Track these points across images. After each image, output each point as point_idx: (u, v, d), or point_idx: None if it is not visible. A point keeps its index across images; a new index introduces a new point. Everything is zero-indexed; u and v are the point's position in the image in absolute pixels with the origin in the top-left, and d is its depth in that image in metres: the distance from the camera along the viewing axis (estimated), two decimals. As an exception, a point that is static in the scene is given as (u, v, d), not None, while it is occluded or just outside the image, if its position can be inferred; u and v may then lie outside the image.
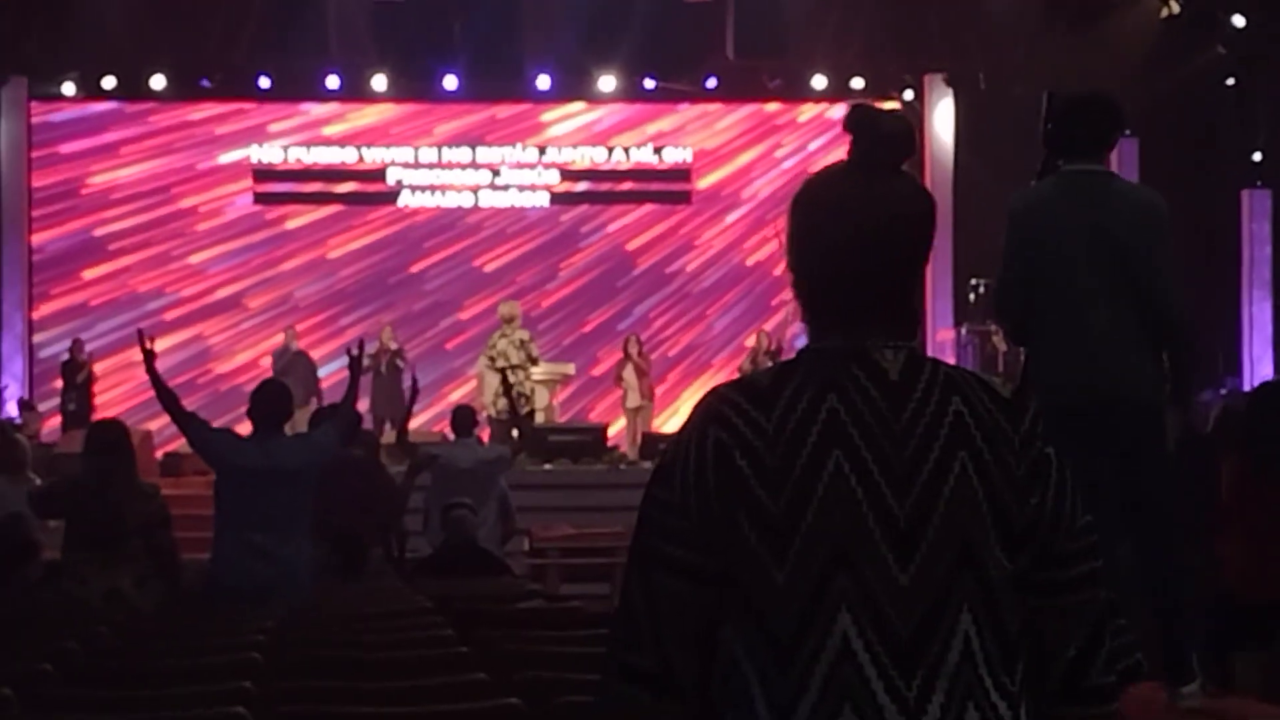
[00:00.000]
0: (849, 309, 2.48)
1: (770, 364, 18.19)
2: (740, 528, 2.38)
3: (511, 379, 17.29)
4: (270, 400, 8.42)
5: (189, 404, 8.69)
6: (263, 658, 5.32)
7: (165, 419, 8.52)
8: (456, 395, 19.24)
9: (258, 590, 7.79)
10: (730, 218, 22.18)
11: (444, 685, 4.62)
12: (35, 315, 20.90)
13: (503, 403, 17.16)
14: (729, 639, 2.41)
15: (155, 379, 8.31)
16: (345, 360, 9.18)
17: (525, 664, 4.89)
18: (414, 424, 18.66)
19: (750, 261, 22.04)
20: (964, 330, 19.38)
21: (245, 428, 8.42)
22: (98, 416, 15.79)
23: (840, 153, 2.58)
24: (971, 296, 19.20)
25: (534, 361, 17.77)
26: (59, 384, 19.30)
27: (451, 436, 13.13)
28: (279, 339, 19.77)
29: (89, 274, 21.07)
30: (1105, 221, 5.19)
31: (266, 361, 19.64)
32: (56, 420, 19.02)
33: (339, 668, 5.20)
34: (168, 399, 8.26)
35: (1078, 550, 2.49)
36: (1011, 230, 5.36)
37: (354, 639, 6.09)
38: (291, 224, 21.58)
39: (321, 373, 19.16)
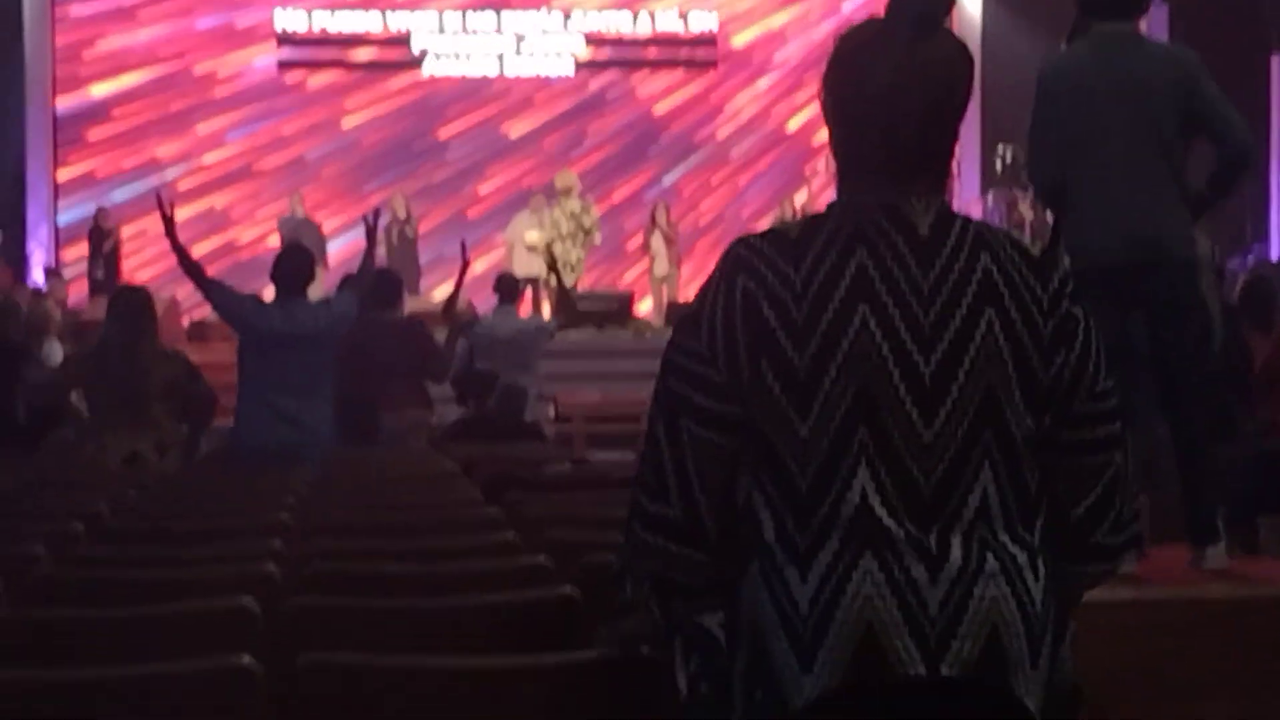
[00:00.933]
0: (882, 162, 2.47)
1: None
2: (765, 379, 2.39)
3: (557, 250, 17.38)
4: (292, 264, 8.48)
5: (211, 272, 8.71)
6: (292, 518, 5.36)
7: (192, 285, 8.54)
8: (480, 265, 19.18)
9: (281, 453, 7.86)
10: (762, 83, 21.92)
11: (472, 545, 4.64)
12: (60, 180, 20.83)
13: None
14: (748, 489, 2.43)
15: (176, 244, 8.34)
16: (356, 233, 9.24)
17: (553, 525, 4.91)
18: (433, 293, 18.77)
19: (782, 128, 21.81)
20: (990, 197, 19.26)
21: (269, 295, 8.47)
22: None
23: (878, 9, 2.57)
24: (998, 164, 19.04)
25: (586, 232, 17.70)
26: (84, 251, 19.27)
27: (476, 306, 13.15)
28: (291, 205, 19.57)
29: (110, 140, 20.93)
30: (1138, 76, 5.14)
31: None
32: (82, 287, 19.00)
33: (368, 529, 5.23)
34: (189, 264, 8.31)
35: (1097, 413, 2.50)
36: (1042, 94, 5.31)
37: (383, 501, 6.13)
38: (312, 88, 21.37)
39: (336, 244, 19.08)
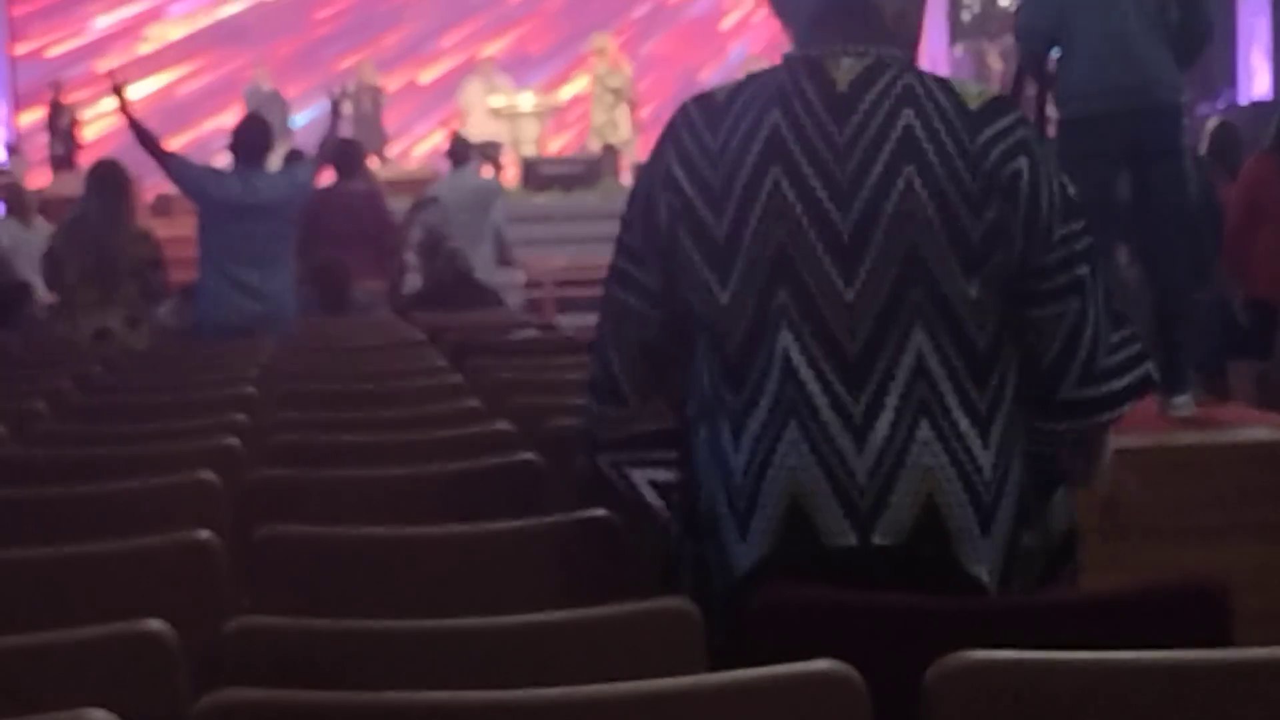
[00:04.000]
0: (810, 15, 2.45)
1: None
2: (684, 248, 2.39)
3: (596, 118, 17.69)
4: (250, 133, 8.42)
5: (171, 146, 8.66)
6: (256, 390, 5.33)
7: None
8: (444, 133, 19.00)
9: (245, 326, 7.84)
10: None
11: (437, 413, 4.62)
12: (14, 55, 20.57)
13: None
14: (700, 355, 2.43)
15: (131, 119, 8.26)
16: (317, 110, 9.20)
17: (518, 390, 4.89)
18: (401, 159, 18.68)
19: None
20: (959, 49, 19.15)
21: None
22: (85, 158, 15.66)
23: None
24: (965, 15, 18.94)
25: (614, 92, 18.06)
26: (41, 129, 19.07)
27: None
28: (255, 77, 19.35)
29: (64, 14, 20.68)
30: None
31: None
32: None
33: (333, 398, 5.21)
34: (146, 138, 8.24)
35: (1056, 262, 2.42)
36: None
37: (347, 370, 6.11)
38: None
39: (300, 120, 18.90)
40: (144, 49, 20.47)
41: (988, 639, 1.82)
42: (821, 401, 2.32)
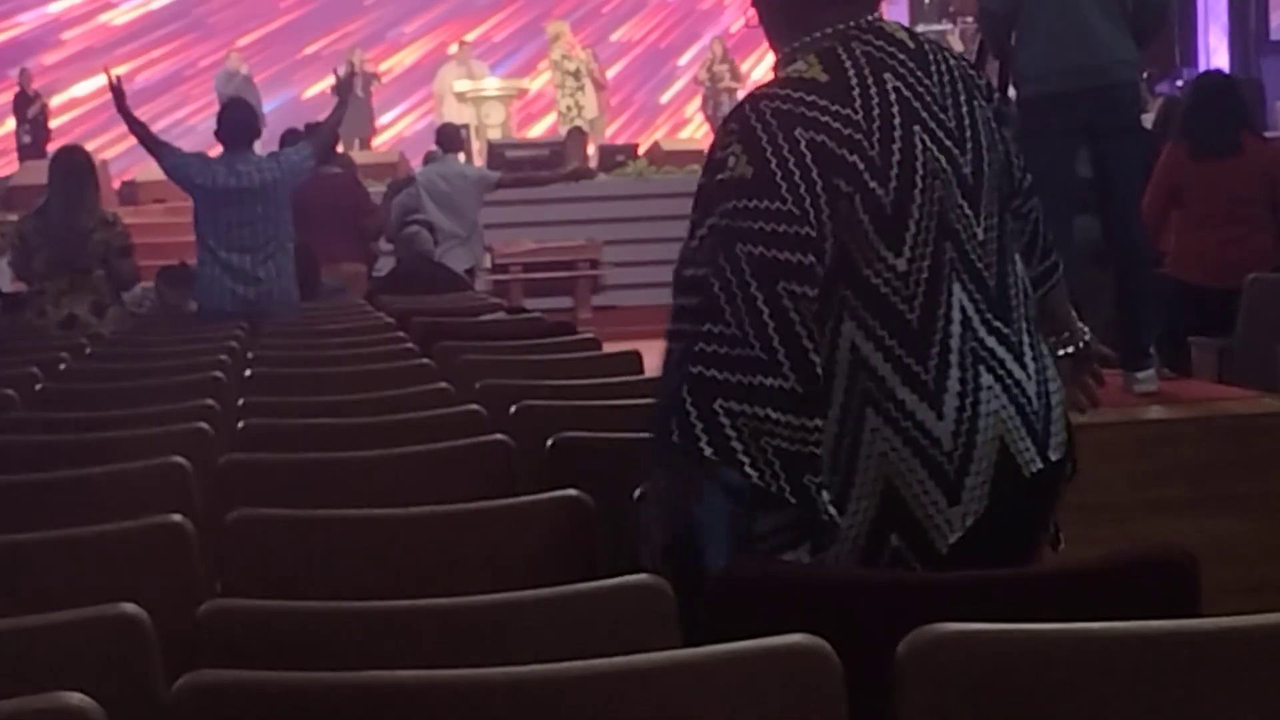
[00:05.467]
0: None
1: (728, 71, 17.77)
2: (857, 220, 2.36)
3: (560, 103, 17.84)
4: (235, 118, 8.42)
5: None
6: (225, 376, 5.33)
7: (122, 147, 8.57)
8: (412, 119, 19.02)
9: (241, 311, 7.86)
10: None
11: (406, 396, 4.63)
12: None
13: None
14: (850, 339, 2.38)
15: (125, 112, 8.31)
16: (286, 96, 9.21)
17: (485, 372, 4.90)
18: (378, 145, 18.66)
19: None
20: (920, 30, 19.20)
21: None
22: (54, 146, 15.59)
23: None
24: (925, -4, 19.02)
25: (573, 75, 18.47)
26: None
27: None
28: (228, 63, 19.33)
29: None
30: None
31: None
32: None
33: (302, 382, 5.21)
34: (137, 128, 8.31)
35: (1021, 171, 2.69)
36: None
37: (317, 355, 6.11)
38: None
39: (269, 106, 18.84)
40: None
41: (959, 612, 1.83)
42: (993, 345, 2.42)
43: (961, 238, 2.41)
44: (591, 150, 17.44)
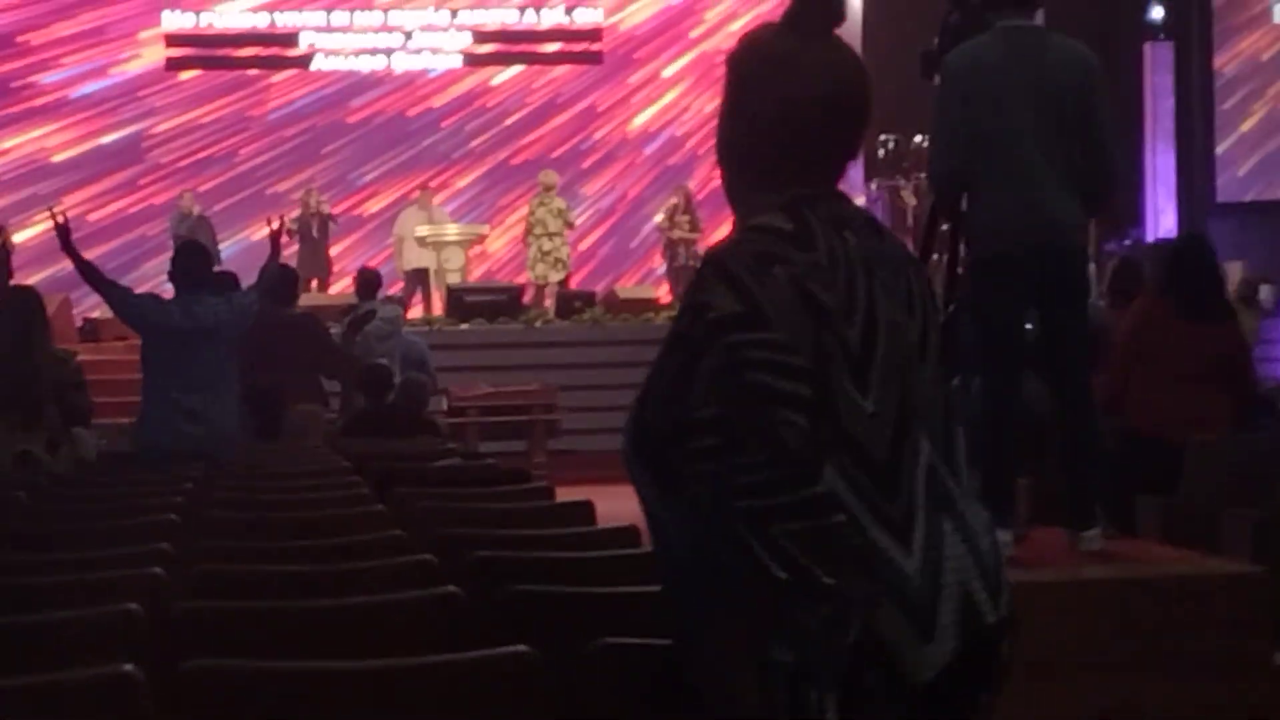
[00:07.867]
0: (818, 158, 2.57)
1: (688, 222, 17.90)
2: (832, 359, 2.43)
3: (548, 246, 18.33)
4: (188, 260, 8.51)
5: (112, 273, 8.73)
6: (180, 518, 5.34)
7: (85, 285, 8.56)
8: (380, 259, 19.11)
9: (188, 450, 7.87)
10: (636, 78, 22.09)
11: (360, 543, 4.65)
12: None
13: (540, 269, 18.34)
14: (829, 479, 2.40)
15: (71, 252, 8.37)
16: (243, 238, 9.32)
17: (441, 521, 4.93)
18: (334, 290, 18.76)
19: (669, 122, 21.96)
20: (874, 185, 19.45)
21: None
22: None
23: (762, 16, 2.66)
24: (881, 152, 19.24)
25: (570, 226, 18.80)
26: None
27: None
28: (181, 203, 19.35)
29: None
30: (1047, 76, 5.30)
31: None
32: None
33: (257, 528, 5.22)
34: (86, 269, 8.38)
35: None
36: (951, 88, 5.41)
37: (272, 499, 6.12)
38: (199, 88, 21.25)
39: (230, 249, 18.88)
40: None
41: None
42: (953, 489, 2.49)
43: (917, 389, 2.48)
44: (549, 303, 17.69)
